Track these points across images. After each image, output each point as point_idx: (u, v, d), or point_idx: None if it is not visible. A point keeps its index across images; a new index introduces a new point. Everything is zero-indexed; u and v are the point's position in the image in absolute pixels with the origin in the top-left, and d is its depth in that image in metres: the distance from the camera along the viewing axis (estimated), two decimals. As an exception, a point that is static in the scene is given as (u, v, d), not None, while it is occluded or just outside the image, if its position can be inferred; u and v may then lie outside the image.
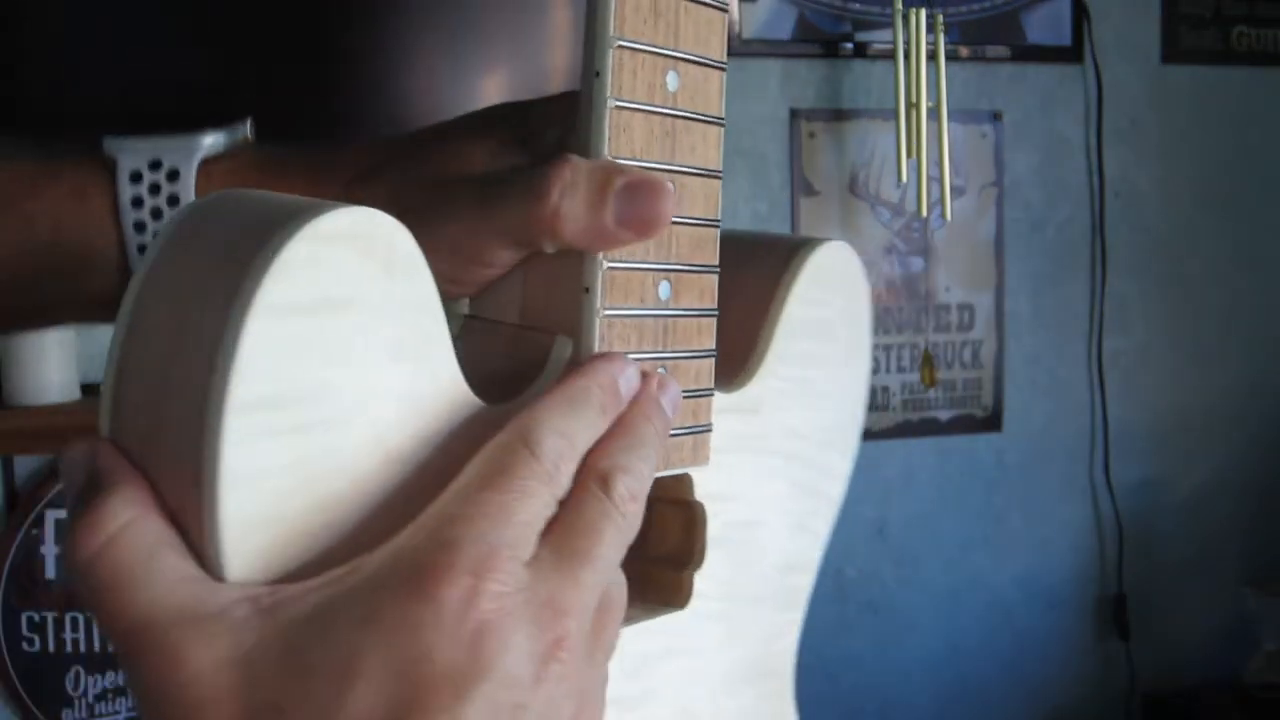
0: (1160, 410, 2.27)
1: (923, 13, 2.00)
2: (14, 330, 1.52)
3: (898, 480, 2.13)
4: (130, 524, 0.33)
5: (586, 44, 0.43)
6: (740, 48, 1.99)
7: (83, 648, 1.68)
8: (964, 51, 2.11)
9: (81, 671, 1.69)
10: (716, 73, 0.46)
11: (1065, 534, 2.23)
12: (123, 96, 1.68)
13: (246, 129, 0.48)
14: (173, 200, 0.44)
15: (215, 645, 0.32)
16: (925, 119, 1.99)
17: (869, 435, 2.08)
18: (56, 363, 1.64)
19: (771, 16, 2.01)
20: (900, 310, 2.12)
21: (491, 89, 1.83)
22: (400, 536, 0.35)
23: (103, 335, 1.77)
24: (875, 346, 2.09)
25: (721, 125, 0.47)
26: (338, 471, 0.35)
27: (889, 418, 2.10)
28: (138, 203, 0.44)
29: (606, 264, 0.43)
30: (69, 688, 1.69)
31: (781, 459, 0.57)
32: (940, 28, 2.02)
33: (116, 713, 1.71)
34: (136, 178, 0.45)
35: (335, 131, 1.74)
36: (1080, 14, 2.16)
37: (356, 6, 1.74)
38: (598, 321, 0.43)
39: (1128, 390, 2.24)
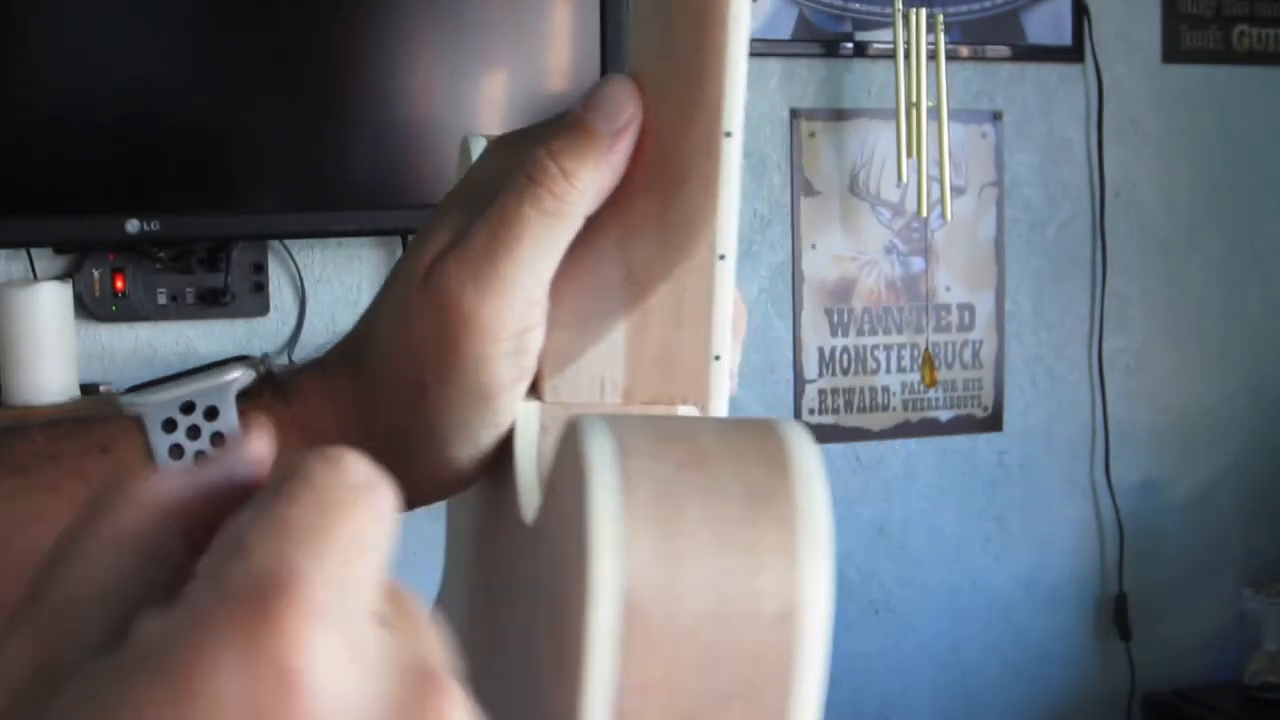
0: (1160, 410, 2.27)
1: (923, 12, 2.00)
2: None
3: (898, 480, 2.13)
4: None
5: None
6: (740, 47, 1.98)
7: (82, 648, 1.68)
8: (964, 51, 2.11)
9: (81, 671, 1.68)
10: None
11: (1065, 534, 2.23)
12: (122, 98, 1.68)
13: (262, 361, 0.43)
14: (217, 439, 0.40)
15: None
16: (925, 119, 1.99)
17: (869, 435, 2.08)
18: (56, 363, 1.63)
19: (772, 16, 2.01)
20: (900, 310, 2.11)
21: (492, 88, 1.83)
22: None
23: (103, 335, 1.76)
24: (875, 346, 2.09)
25: None
26: None
27: (889, 418, 2.10)
28: (177, 451, 0.40)
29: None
30: (69, 688, 1.68)
31: None
32: (940, 27, 2.02)
33: (116, 713, 1.70)
34: (170, 425, 0.40)
35: (335, 130, 1.74)
36: (1080, 14, 2.16)
37: (357, 6, 1.74)
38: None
39: (1128, 390, 2.24)
